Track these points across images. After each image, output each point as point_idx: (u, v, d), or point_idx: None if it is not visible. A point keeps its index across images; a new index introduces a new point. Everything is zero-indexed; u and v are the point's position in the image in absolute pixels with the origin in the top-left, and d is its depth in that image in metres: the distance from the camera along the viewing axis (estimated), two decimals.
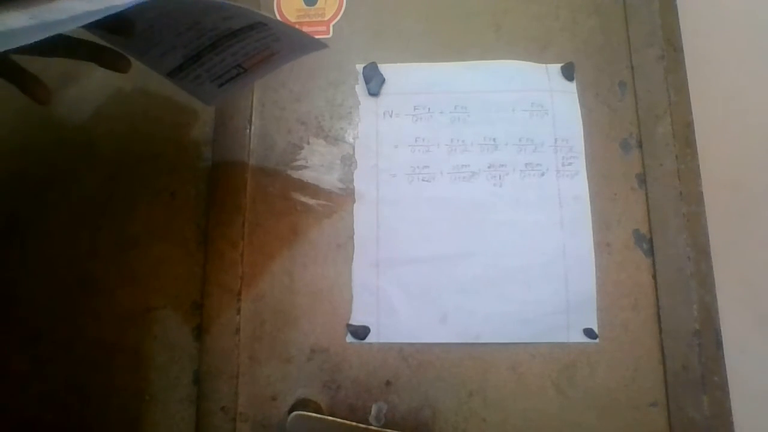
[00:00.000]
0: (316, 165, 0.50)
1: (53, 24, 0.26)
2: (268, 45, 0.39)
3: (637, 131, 0.50)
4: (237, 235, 0.48)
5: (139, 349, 0.47)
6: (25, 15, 0.26)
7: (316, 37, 0.42)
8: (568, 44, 0.52)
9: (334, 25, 0.53)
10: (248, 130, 0.51)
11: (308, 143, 0.51)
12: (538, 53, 0.52)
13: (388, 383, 0.46)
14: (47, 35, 0.26)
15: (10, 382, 0.47)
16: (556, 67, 0.51)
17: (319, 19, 0.53)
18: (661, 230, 0.48)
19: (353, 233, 0.48)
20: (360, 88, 0.52)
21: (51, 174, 0.51)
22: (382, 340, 0.47)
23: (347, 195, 0.50)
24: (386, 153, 0.50)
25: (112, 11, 0.26)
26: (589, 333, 0.46)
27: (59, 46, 0.36)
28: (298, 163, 0.50)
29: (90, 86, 0.52)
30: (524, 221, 0.48)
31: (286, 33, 0.39)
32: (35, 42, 0.26)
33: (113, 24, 0.34)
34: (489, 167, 0.49)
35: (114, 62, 0.38)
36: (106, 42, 0.38)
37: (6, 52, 0.33)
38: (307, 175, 0.50)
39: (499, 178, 0.49)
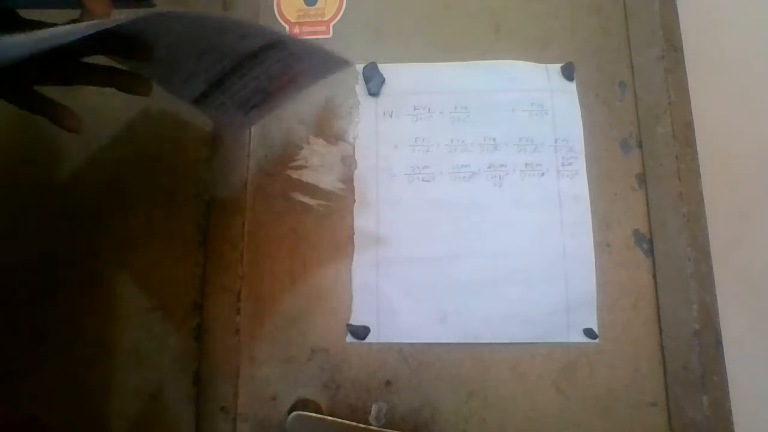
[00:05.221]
0: (316, 165, 0.50)
1: (46, 38, 0.26)
2: (290, 65, 0.38)
3: (637, 131, 0.50)
4: (237, 235, 0.48)
5: (139, 349, 0.47)
6: (18, 36, 0.26)
7: (328, 47, 0.40)
8: (568, 44, 0.52)
9: (334, 25, 0.53)
10: (248, 130, 0.51)
11: (308, 143, 0.51)
12: (538, 53, 0.52)
13: (388, 383, 0.46)
14: (40, 48, 0.26)
15: (9, 382, 0.47)
16: (556, 67, 0.51)
17: (319, 19, 0.53)
18: (661, 230, 0.48)
19: (353, 233, 0.48)
20: (360, 88, 0.52)
21: (50, 175, 0.50)
22: (382, 340, 0.47)
23: (347, 195, 0.49)
24: (386, 153, 0.50)
25: (103, 27, 0.26)
26: (589, 333, 0.46)
27: (76, 72, 0.35)
28: (298, 163, 0.50)
29: (89, 87, 0.52)
30: (524, 221, 0.48)
31: (307, 51, 0.38)
32: (46, 67, 0.26)
33: (129, 48, 0.33)
34: (489, 167, 0.49)
35: (133, 85, 0.37)
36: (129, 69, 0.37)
37: (28, 84, 0.33)
38: (307, 175, 0.50)
39: (499, 178, 0.49)
